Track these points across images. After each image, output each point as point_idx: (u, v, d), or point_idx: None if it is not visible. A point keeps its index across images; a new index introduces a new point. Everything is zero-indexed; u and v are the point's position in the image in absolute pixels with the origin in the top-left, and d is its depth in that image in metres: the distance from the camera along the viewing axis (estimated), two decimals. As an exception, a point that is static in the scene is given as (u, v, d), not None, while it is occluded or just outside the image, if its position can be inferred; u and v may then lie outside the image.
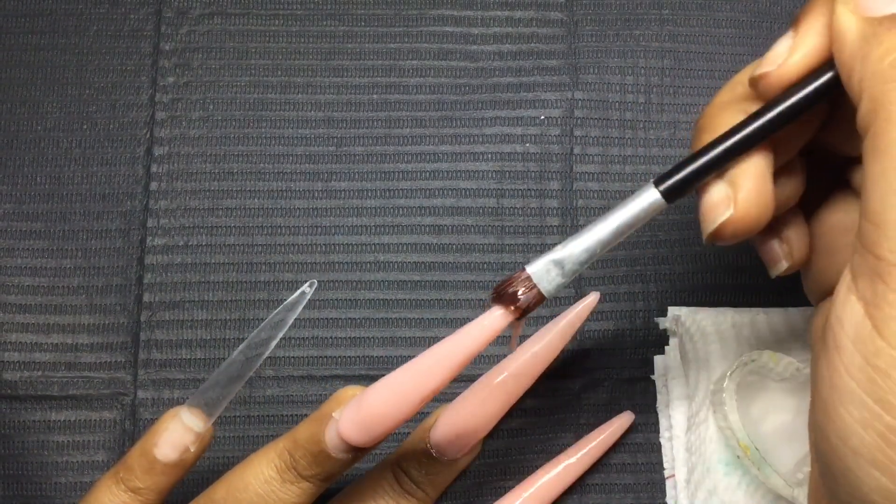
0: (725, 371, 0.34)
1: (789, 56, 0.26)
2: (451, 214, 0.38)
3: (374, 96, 0.39)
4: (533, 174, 0.38)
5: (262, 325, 0.30)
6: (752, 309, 0.36)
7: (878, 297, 0.22)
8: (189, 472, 0.31)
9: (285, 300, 0.37)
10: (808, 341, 0.31)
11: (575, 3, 0.40)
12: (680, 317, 0.36)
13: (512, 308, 0.28)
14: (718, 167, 0.27)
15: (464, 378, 0.35)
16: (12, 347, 0.36)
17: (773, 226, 0.29)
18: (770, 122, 0.26)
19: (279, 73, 0.40)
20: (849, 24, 0.25)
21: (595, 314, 0.37)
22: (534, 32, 0.40)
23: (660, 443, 0.36)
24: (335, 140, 0.39)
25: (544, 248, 0.37)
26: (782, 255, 0.29)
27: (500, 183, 0.38)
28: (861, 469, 0.22)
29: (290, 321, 0.30)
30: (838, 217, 0.29)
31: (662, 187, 0.27)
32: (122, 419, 0.36)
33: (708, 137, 0.27)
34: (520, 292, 0.28)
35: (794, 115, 0.26)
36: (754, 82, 0.27)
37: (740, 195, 0.27)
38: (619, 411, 0.36)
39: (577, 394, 0.36)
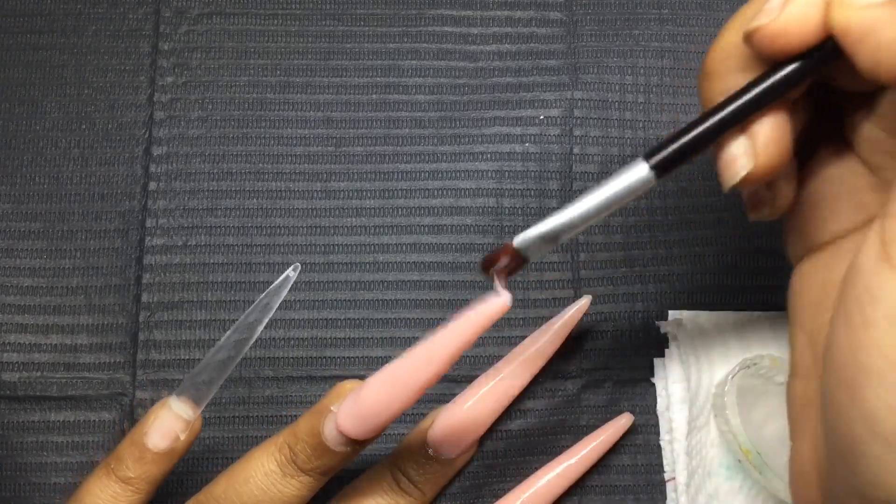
0: (727, 375, 0.34)
1: (783, 9, 0.24)
2: (450, 214, 0.38)
3: (374, 96, 0.39)
4: (532, 174, 0.38)
5: (249, 310, 0.31)
6: (754, 312, 0.36)
7: None
8: (179, 464, 0.31)
9: (283, 300, 0.37)
10: (788, 305, 0.29)
11: (574, 3, 0.40)
12: (681, 320, 0.36)
13: (493, 269, 0.28)
14: (714, 140, 0.26)
15: (461, 380, 0.35)
16: (11, 348, 0.36)
17: None
18: (770, 89, 0.25)
19: (278, 72, 0.39)
20: (868, 13, 0.23)
21: (594, 315, 0.37)
22: (533, 32, 0.40)
23: (660, 445, 0.36)
24: (334, 140, 0.39)
25: (544, 249, 0.38)
26: (766, 201, 0.28)
27: (500, 183, 0.38)
28: (889, 456, 0.21)
29: (276, 305, 0.31)
30: (824, 166, 0.28)
31: (653, 162, 0.26)
32: (120, 420, 0.36)
33: (718, 84, 0.26)
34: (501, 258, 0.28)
35: (800, 79, 0.25)
36: (748, 37, 0.25)
37: (759, 146, 0.25)
38: (620, 413, 0.36)
39: (577, 395, 0.36)
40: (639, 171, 0.26)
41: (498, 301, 0.28)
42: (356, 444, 0.30)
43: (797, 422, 0.28)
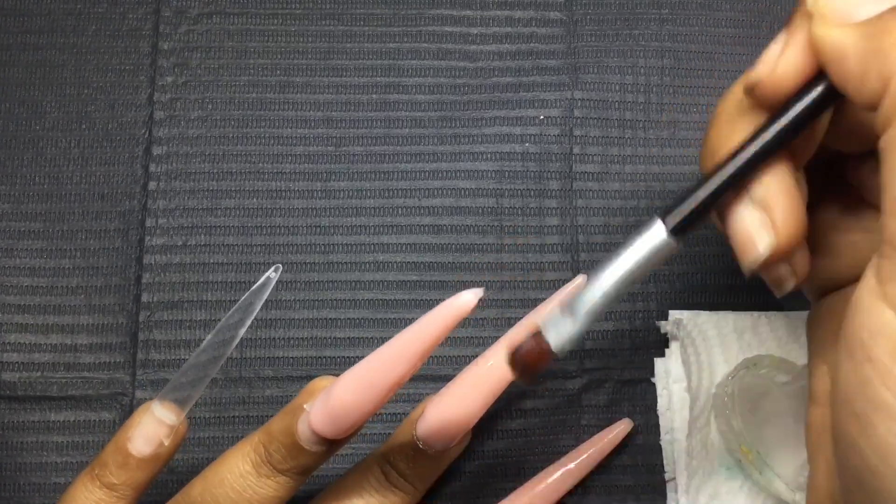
0: (727, 375, 0.34)
1: (780, 59, 0.25)
2: (450, 214, 0.38)
3: (374, 96, 0.39)
4: (532, 174, 0.38)
5: (231, 311, 0.30)
6: (754, 313, 0.36)
7: None
8: (169, 468, 0.31)
9: (282, 300, 0.37)
10: (808, 337, 0.30)
11: (574, 3, 0.40)
12: (681, 320, 0.36)
13: (527, 375, 0.27)
14: (729, 191, 0.25)
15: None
16: (11, 348, 0.36)
17: None
18: (781, 133, 0.25)
19: (278, 72, 0.39)
20: (840, 35, 0.23)
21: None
22: (533, 32, 0.40)
23: (660, 445, 0.36)
24: (334, 140, 0.39)
25: (544, 249, 0.38)
26: (788, 274, 0.27)
27: (500, 183, 0.38)
28: None
29: (259, 306, 0.30)
30: (836, 216, 0.28)
31: (672, 225, 0.25)
32: (120, 420, 0.36)
33: (720, 158, 0.26)
34: (535, 356, 0.27)
35: (804, 122, 0.25)
36: (749, 90, 0.25)
37: (778, 218, 0.25)
38: (620, 413, 0.36)
39: (578, 395, 0.36)
40: (656, 236, 0.25)
41: (465, 297, 0.27)
42: (331, 443, 0.29)
43: (815, 449, 0.28)
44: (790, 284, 0.28)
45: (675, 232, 0.25)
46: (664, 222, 0.25)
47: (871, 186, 0.27)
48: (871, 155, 0.27)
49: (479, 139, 0.39)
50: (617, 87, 0.39)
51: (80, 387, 0.36)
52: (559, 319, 0.27)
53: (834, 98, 0.25)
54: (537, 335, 0.27)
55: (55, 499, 0.35)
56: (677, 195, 0.25)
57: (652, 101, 0.39)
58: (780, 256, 0.25)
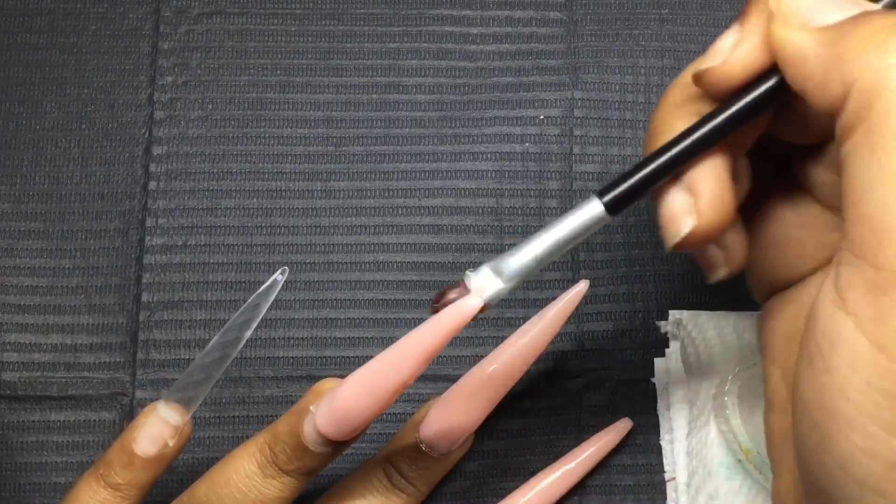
0: (727, 375, 0.34)
1: (733, 51, 0.25)
2: (450, 214, 0.38)
3: (374, 96, 0.39)
4: (532, 174, 0.38)
5: (238, 312, 0.30)
6: (754, 313, 0.36)
7: (882, 312, 0.20)
8: (170, 469, 0.31)
9: (283, 299, 0.37)
10: (759, 341, 0.30)
11: (574, 3, 0.40)
12: (681, 320, 0.36)
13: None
14: (666, 176, 0.26)
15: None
16: (11, 348, 0.36)
17: None
18: (722, 124, 0.25)
19: (278, 72, 0.39)
20: (802, 38, 0.23)
21: (595, 314, 0.37)
22: (533, 32, 0.40)
23: (660, 445, 0.36)
24: (334, 140, 0.39)
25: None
26: (721, 261, 0.28)
27: (500, 183, 0.38)
28: (866, 499, 0.21)
29: (266, 307, 0.30)
30: (784, 211, 0.28)
31: (606, 199, 0.26)
32: (120, 419, 0.36)
33: (661, 143, 0.26)
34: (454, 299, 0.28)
35: (748, 116, 0.25)
36: (698, 78, 0.25)
37: (701, 204, 0.25)
38: (620, 413, 0.36)
39: (578, 395, 0.36)
40: (593, 209, 0.26)
41: (471, 302, 0.28)
42: (336, 444, 0.29)
43: (777, 455, 0.28)
44: (722, 271, 0.28)
45: (610, 209, 0.26)
46: (601, 200, 0.26)
47: (817, 182, 0.27)
48: (817, 149, 0.27)
49: (479, 139, 0.39)
50: (617, 87, 0.39)
51: (80, 386, 0.36)
52: (490, 279, 0.27)
53: (779, 95, 0.25)
54: (462, 289, 0.28)
55: (55, 498, 0.35)
56: (616, 176, 0.26)
57: (652, 101, 0.39)
58: (699, 240, 0.25)
